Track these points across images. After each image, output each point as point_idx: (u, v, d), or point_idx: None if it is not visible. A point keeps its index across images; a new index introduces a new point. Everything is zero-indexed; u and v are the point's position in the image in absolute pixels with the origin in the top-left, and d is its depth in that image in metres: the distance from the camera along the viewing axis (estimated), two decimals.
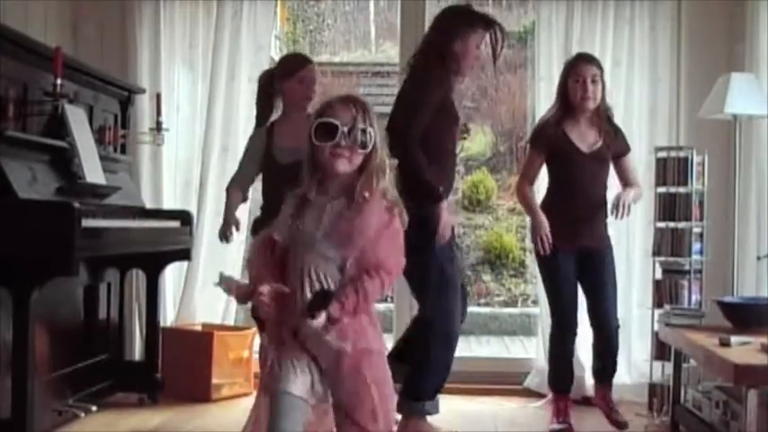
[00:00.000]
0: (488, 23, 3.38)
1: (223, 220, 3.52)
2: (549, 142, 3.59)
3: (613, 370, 3.68)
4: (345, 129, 2.05)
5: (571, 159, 3.55)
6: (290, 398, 2.04)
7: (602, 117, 3.60)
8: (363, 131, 2.05)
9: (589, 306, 3.62)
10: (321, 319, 1.98)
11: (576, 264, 3.57)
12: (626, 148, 3.69)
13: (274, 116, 3.53)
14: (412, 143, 3.18)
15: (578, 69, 3.56)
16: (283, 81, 3.45)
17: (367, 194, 2.06)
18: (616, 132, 3.66)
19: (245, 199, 3.63)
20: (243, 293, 2.13)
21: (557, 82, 4.28)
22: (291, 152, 3.45)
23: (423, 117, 3.21)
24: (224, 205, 3.56)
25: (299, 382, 2.05)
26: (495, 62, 3.48)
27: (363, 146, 2.06)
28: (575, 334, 3.64)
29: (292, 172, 3.48)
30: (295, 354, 2.07)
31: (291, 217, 2.12)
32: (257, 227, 3.60)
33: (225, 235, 3.52)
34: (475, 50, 3.36)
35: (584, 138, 3.58)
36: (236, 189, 3.54)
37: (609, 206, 3.55)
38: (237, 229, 3.57)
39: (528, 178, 3.67)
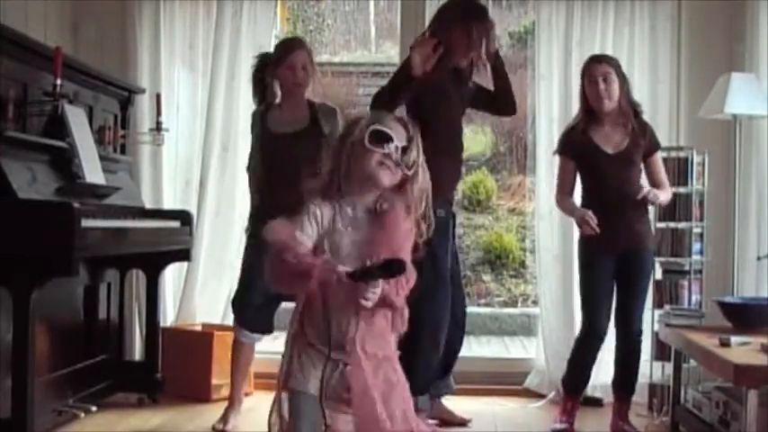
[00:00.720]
0: (477, 15, 3.41)
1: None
2: (575, 148, 3.57)
3: (632, 381, 3.60)
4: (399, 145, 2.06)
5: (598, 162, 3.51)
6: (306, 398, 2.04)
7: (627, 116, 3.53)
8: (413, 153, 2.07)
9: (617, 307, 3.56)
10: (377, 291, 1.95)
11: (616, 266, 3.52)
12: (654, 146, 3.61)
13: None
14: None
15: (590, 71, 3.54)
16: (275, 68, 3.60)
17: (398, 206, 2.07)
18: (644, 130, 3.59)
19: None
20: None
21: (557, 82, 4.32)
22: (286, 125, 3.60)
23: (393, 96, 3.34)
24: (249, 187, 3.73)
25: (316, 381, 2.05)
26: (486, 55, 3.48)
27: (408, 167, 2.07)
28: (602, 341, 3.58)
29: (288, 143, 3.56)
30: (315, 352, 2.07)
31: (314, 219, 2.09)
32: (254, 219, 3.63)
33: None
34: (467, 40, 3.38)
35: (610, 139, 3.53)
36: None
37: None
38: None
39: (563, 189, 3.63)
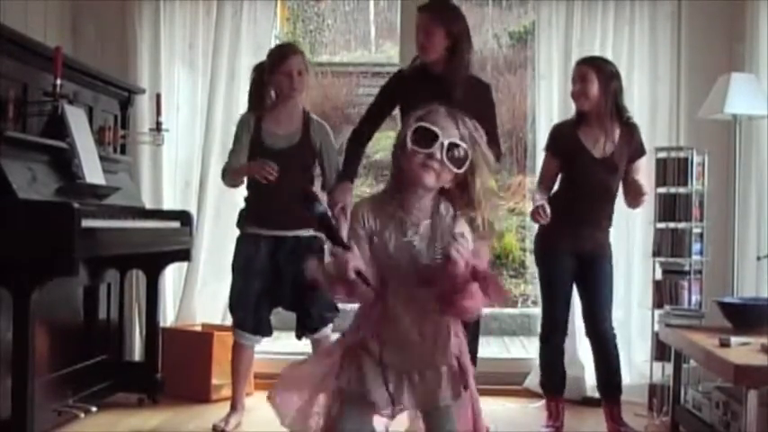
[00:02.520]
0: (420, 8, 3.34)
1: (243, 172, 3.61)
2: (563, 145, 3.58)
3: (614, 381, 3.58)
4: (446, 142, 1.93)
5: (582, 163, 3.51)
6: (360, 407, 2.00)
7: (606, 117, 3.50)
8: (461, 149, 1.93)
9: (584, 312, 3.60)
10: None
11: (575, 267, 3.55)
12: (639, 152, 3.57)
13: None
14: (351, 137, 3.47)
15: (574, 72, 3.57)
16: (270, 74, 3.60)
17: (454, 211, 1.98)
18: (632, 134, 3.55)
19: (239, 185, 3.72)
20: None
21: (557, 82, 4.32)
22: (280, 139, 3.56)
23: (370, 113, 3.47)
24: (227, 184, 3.74)
25: (376, 390, 1.99)
26: (454, 46, 3.29)
27: (458, 165, 1.94)
28: (564, 333, 3.62)
29: (282, 159, 3.57)
30: (372, 360, 2.00)
31: (369, 229, 1.99)
32: (244, 220, 3.63)
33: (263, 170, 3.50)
34: (418, 33, 3.30)
35: (598, 143, 3.51)
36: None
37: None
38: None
39: (542, 183, 3.61)
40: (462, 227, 1.97)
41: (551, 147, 3.64)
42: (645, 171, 3.63)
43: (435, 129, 1.93)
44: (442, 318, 1.99)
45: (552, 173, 3.62)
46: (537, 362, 4.33)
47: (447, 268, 1.83)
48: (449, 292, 1.86)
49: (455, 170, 1.94)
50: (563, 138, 3.59)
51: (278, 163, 3.46)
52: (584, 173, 3.52)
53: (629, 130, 3.56)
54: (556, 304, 3.58)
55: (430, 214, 1.98)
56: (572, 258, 3.54)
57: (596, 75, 3.48)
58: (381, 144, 6.37)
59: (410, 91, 3.24)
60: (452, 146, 1.92)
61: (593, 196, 3.53)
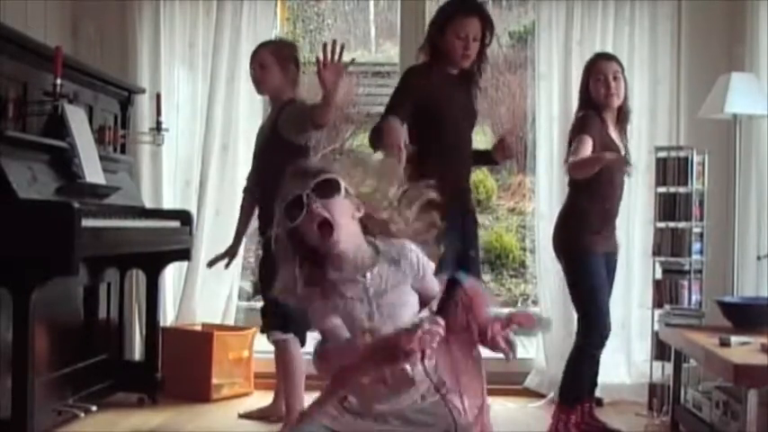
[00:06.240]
0: (467, 11, 3.24)
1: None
2: (599, 135, 3.39)
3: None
4: (305, 196, 1.77)
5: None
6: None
7: (627, 119, 3.53)
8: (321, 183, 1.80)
9: None
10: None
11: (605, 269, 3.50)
12: None
13: None
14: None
15: (599, 67, 3.48)
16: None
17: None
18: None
19: None
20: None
21: (557, 82, 4.31)
22: (260, 131, 3.64)
23: (396, 113, 3.10)
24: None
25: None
26: (482, 49, 3.28)
27: (330, 195, 1.80)
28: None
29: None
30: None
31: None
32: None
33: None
34: (457, 40, 3.19)
35: (618, 141, 3.48)
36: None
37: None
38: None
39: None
40: (414, 253, 1.87)
41: (593, 132, 3.37)
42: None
43: (336, 177, 1.80)
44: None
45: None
46: (537, 362, 4.35)
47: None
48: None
49: (334, 203, 1.78)
50: (599, 128, 3.42)
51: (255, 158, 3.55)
52: (611, 169, 3.37)
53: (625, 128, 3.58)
54: (603, 311, 3.41)
55: (371, 261, 1.85)
56: (604, 259, 3.47)
57: (622, 73, 3.49)
58: None
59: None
60: (318, 188, 1.77)
61: (618, 194, 3.49)
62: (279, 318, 3.33)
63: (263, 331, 3.54)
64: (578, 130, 3.41)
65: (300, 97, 3.59)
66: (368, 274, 1.83)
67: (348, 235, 1.81)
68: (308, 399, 3.75)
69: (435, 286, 1.88)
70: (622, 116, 3.53)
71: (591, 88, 3.48)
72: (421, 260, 1.88)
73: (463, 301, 1.74)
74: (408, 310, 1.85)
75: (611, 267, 3.54)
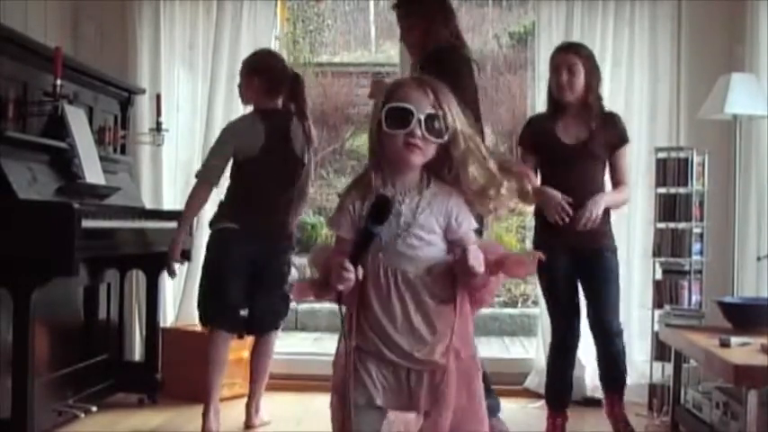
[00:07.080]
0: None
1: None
2: (534, 138, 3.40)
3: (618, 378, 3.44)
4: (422, 116, 1.84)
5: (556, 154, 3.31)
6: (368, 410, 1.90)
7: (591, 110, 3.31)
8: (440, 119, 1.85)
9: (588, 310, 3.41)
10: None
11: (575, 266, 3.34)
12: (621, 139, 3.39)
13: None
14: None
15: (555, 60, 3.35)
16: None
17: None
18: (614, 122, 3.39)
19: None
20: (318, 284, 1.92)
21: None
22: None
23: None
24: None
25: (379, 391, 1.90)
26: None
27: (440, 135, 1.86)
28: (576, 341, 3.42)
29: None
30: (377, 360, 1.90)
31: (356, 213, 1.91)
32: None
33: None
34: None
35: (570, 132, 3.33)
36: None
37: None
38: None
39: None
40: (459, 207, 1.92)
41: (523, 141, 3.43)
42: (627, 159, 3.50)
43: (409, 106, 1.84)
44: (437, 303, 1.90)
45: (530, 168, 3.36)
46: (537, 362, 4.35)
47: (468, 274, 1.83)
48: (470, 290, 1.90)
49: (437, 141, 1.86)
50: (534, 130, 3.41)
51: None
52: (561, 164, 3.29)
53: (611, 119, 3.40)
54: (561, 309, 3.38)
55: (417, 189, 1.91)
56: (569, 258, 3.31)
57: (583, 65, 3.32)
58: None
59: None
60: (429, 118, 1.84)
61: (576, 188, 3.25)
62: (212, 309, 3.51)
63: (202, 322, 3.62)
64: (518, 140, 3.49)
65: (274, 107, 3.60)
66: (406, 199, 1.89)
67: (425, 158, 1.88)
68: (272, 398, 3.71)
69: (470, 243, 1.89)
70: (589, 109, 3.32)
71: (550, 82, 3.40)
72: (462, 215, 1.92)
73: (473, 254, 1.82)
74: (431, 250, 1.90)
75: (589, 264, 3.34)
